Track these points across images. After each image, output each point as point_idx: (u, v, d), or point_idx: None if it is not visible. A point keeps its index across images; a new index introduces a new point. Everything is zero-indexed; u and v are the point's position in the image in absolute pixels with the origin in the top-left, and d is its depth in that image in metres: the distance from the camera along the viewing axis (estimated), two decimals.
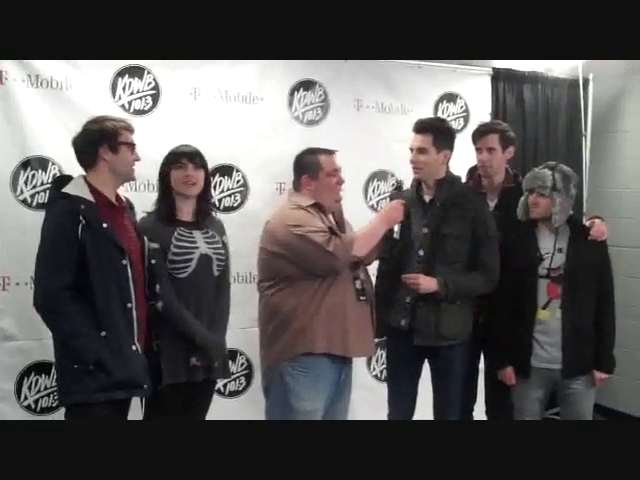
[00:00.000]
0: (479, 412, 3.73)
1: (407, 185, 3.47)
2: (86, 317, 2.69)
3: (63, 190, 2.77)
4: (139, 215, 3.11)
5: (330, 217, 3.26)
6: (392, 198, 3.51)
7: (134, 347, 2.81)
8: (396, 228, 3.24)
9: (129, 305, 2.79)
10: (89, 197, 2.76)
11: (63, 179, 2.91)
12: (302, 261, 3.07)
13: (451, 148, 3.34)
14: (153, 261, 2.98)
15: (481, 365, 3.60)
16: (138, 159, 2.92)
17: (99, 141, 2.81)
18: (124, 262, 2.78)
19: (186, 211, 3.17)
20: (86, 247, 2.69)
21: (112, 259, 2.76)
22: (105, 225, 2.75)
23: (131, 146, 2.88)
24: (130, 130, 2.91)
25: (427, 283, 3.20)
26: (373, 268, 3.42)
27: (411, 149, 3.33)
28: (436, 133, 3.31)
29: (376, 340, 3.37)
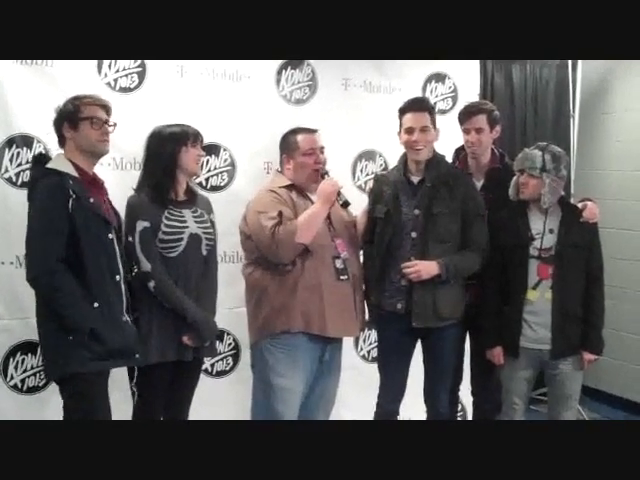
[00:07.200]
0: (465, 393, 3.76)
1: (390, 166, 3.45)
2: (79, 289, 2.74)
3: (48, 166, 2.80)
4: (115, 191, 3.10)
5: (314, 198, 3.24)
6: (376, 180, 3.51)
7: (124, 318, 2.88)
8: (378, 207, 3.21)
9: (117, 277, 2.87)
10: (74, 173, 2.81)
11: (43, 157, 2.94)
12: (259, 247, 3.14)
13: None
14: (130, 239, 3.00)
15: (466, 346, 3.61)
16: (106, 132, 2.91)
17: (61, 119, 2.87)
18: (110, 236, 2.86)
19: (177, 190, 3.16)
20: (76, 221, 2.73)
21: (100, 233, 2.82)
22: (92, 200, 2.81)
23: (92, 120, 2.85)
24: (98, 105, 2.90)
25: (427, 269, 3.17)
26: None
27: (411, 129, 3.26)
28: (431, 111, 3.32)
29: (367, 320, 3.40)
